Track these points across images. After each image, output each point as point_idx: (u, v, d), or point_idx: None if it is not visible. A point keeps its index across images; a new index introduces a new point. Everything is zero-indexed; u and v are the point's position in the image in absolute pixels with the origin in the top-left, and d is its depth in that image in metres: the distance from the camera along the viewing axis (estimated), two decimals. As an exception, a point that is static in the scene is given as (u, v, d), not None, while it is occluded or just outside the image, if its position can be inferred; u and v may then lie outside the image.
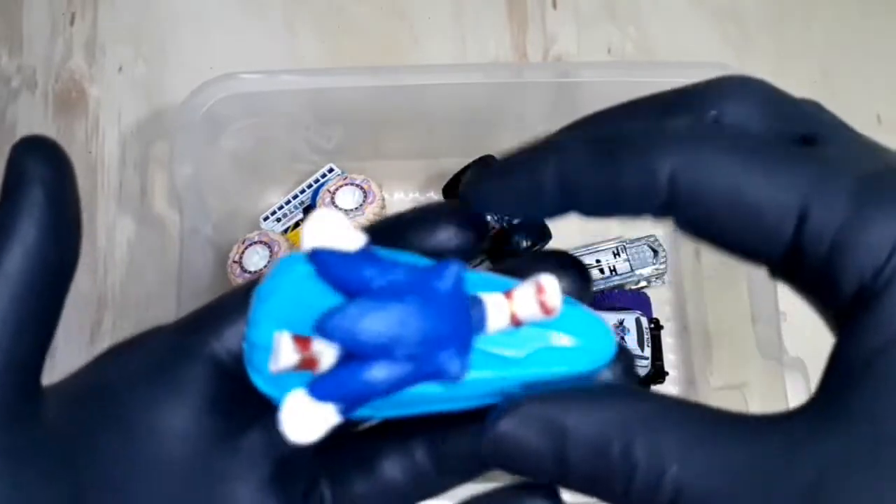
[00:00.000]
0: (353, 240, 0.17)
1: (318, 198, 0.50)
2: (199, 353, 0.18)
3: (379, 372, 0.16)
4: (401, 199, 0.54)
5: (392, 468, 0.19)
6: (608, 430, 0.15)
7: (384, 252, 0.17)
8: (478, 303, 0.17)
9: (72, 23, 0.58)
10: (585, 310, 0.18)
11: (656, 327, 0.49)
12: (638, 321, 0.46)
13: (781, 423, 0.15)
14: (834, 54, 0.58)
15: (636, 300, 0.50)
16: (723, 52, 0.57)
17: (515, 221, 0.51)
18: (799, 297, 0.16)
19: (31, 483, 0.16)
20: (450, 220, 0.19)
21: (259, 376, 0.17)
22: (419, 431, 0.19)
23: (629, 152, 0.16)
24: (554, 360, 0.17)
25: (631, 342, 0.45)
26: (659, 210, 0.16)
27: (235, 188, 0.50)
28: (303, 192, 0.53)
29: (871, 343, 0.14)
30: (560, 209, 0.18)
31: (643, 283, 0.52)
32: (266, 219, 0.52)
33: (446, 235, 0.19)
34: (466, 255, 0.19)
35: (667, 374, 0.49)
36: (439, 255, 0.18)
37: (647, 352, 0.46)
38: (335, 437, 0.17)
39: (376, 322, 0.16)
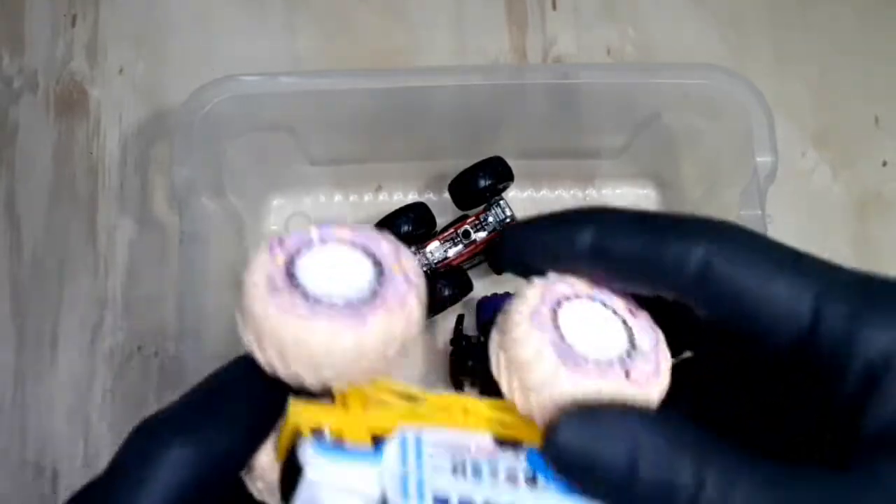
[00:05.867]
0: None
1: None
2: None
3: None
4: (401, 201, 0.55)
5: None
6: (683, 445, 0.16)
7: None
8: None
9: (73, 24, 0.58)
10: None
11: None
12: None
13: (824, 475, 0.16)
14: (832, 56, 0.58)
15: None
16: (722, 53, 0.58)
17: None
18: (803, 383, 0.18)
19: None
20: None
21: None
22: None
23: (669, 228, 0.18)
24: None
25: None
26: (681, 287, 0.18)
27: (235, 190, 0.50)
28: None
29: (883, 417, 0.16)
30: (586, 265, 0.19)
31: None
32: None
33: None
34: None
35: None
36: None
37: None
38: None
39: None
